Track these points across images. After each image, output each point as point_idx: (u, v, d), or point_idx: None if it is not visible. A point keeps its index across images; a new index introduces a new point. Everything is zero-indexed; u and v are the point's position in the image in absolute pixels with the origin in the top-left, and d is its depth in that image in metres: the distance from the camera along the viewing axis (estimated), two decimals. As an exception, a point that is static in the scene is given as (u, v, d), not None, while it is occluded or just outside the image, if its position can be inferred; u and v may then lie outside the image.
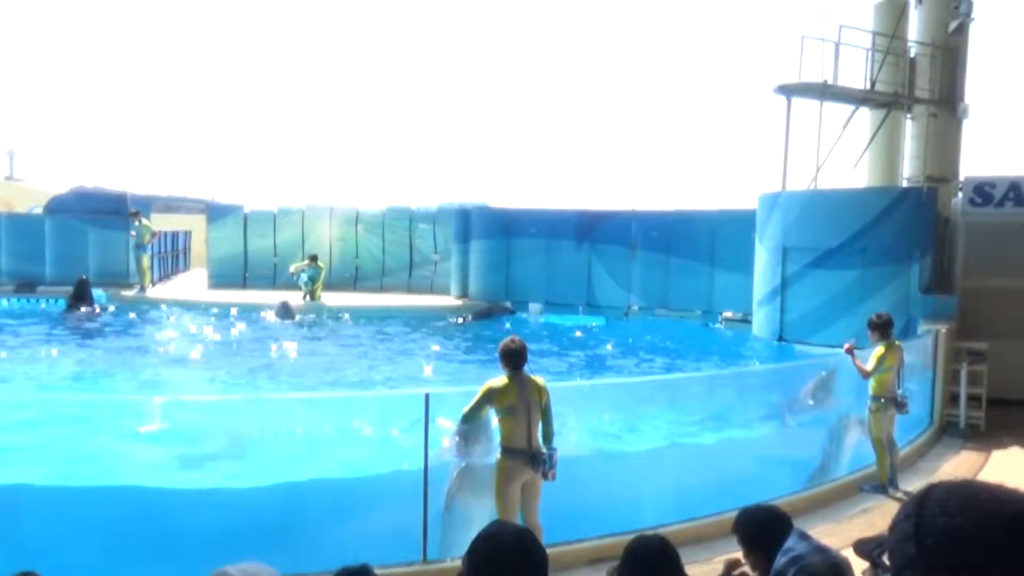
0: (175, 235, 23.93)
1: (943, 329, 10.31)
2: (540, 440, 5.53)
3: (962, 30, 14.47)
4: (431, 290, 21.06)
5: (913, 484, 7.63)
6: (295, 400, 8.58)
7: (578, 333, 16.69)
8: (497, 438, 5.57)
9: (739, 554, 3.51)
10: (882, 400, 7.61)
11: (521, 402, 5.39)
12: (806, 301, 13.26)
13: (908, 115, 15.34)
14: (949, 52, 14.49)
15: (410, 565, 5.65)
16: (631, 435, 8.41)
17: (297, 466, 6.96)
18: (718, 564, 3.79)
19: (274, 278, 21.19)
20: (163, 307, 18.17)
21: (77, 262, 19.02)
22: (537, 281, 18.81)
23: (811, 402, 8.88)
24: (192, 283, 22.20)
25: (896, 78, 14.67)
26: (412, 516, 5.74)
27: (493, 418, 5.66)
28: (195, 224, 25.24)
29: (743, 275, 15.32)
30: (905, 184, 14.92)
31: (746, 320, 15.44)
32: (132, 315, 17.30)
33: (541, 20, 75.81)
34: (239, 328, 16.47)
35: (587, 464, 7.12)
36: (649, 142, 69.50)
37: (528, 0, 74.32)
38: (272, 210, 22.34)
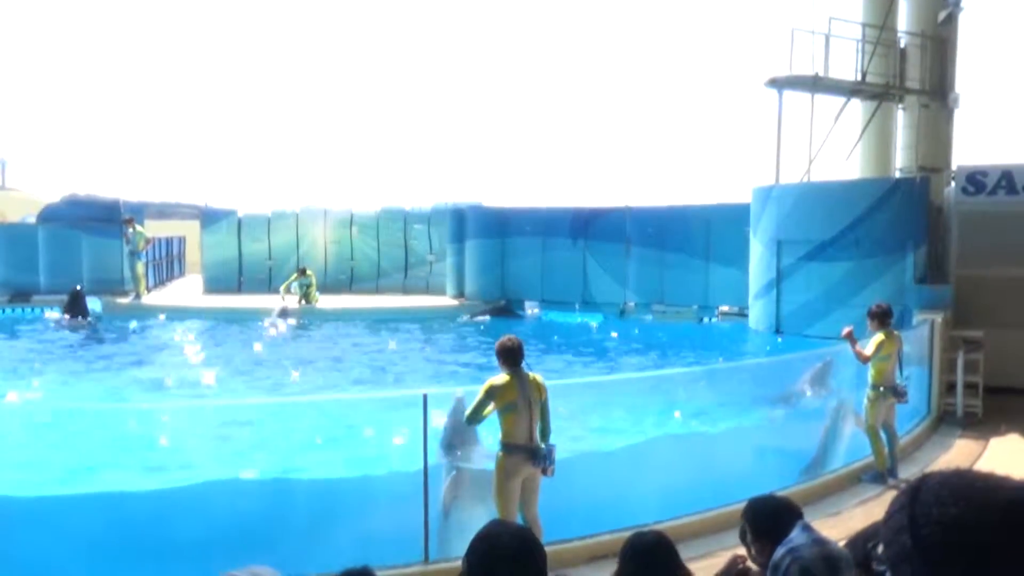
0: (169, 241, 23.87)
1: (938, 318, 10.34)
2: (538, 436, 5.56)
3: (951, 20, 14.50)
4: (427, 291, 21.05)
5: (911, 473, 7.64)
6: (295, 403, 8.58)
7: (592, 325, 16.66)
8: (486, 441, 5.61)
9: (741, 550, 3.50)
10: (881, 389, 7.64)
11: (522, 399, 5.44)
12: (802, 293, 13.29)
13: (900, 106, 15.36)
14: (939, 42, 14.52)
15: (411, 566, 5.64)
16: (627, 430, 8.42)
17: (297, 468, 6.96)
18: (717, 559, 3.79)
19: (269, 282, 21.17)
20: (161, 315, 18.13)
21: (71, 271, 18.95)
22: (533, 279, 18.82)
23: (808, 393, 8.91)
24: (187, 289, 22.14)
25: (887, 69, 14.69)
26: (413, 517, 5.74)
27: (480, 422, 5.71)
28: (189, 230, 25.17)
29: (738, 269, 15.34)
30: (898, 175, 14.96)
31: (742, 314, 15.47)
32: (132, 323, 17.28)
33: (530, 17, 75.78)
34: (235, 333, 16.45)
35: (584, 461, 7.14)
36: (641, 138, 69.56)
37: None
38: (266, 214, 22.31)
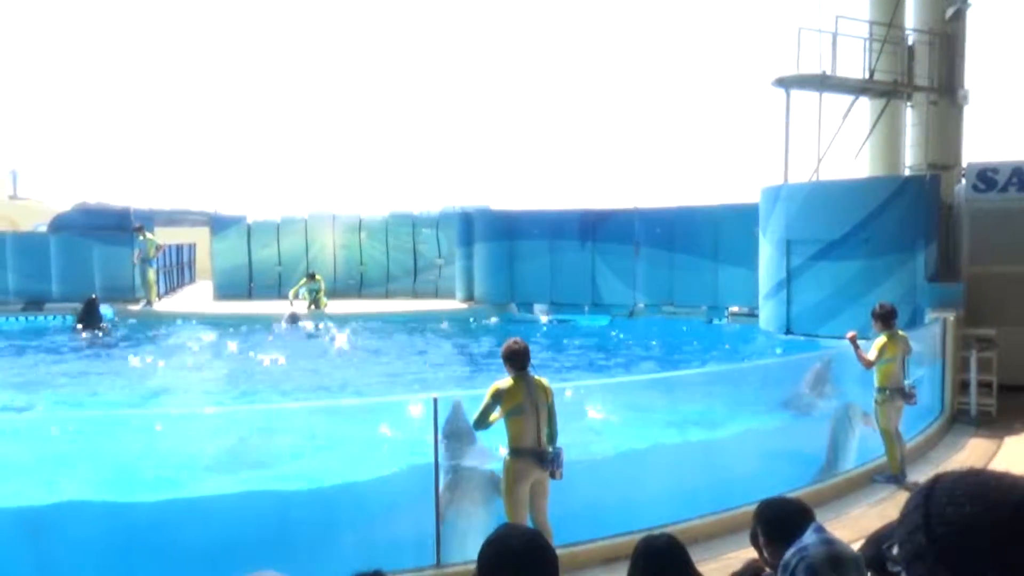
0: (179, 248, 24.01)
1: (951, 317, 10.27)
2: (546, 440, 5.56)
3: (959, 16, 14.42)
4: (436, 295, 21.09)
5: (925, 474, 7.55)
6: (304, 408, 8.60)
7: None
8: (485, 443, 5.59)
9: (753, 553, 3.49)
10: (887, 391, 7.55)
11: (528, 402, 5.44)
12: (812, 293, 13.23)
13: (908, 103, 15.29)
14: (947, 39, 14.44)
15: (423, 570, 5.65)
16: (638, 432, 8.40)
17: (308, 473, 6.98)
18: (729, 561, 3.77)
19: (279, 287, 21.26)
20: (177, 321, 18.24)
21: (83, 279, 19.10)
22: (542, 282, 18.81)
23: (812, 394, 8.85)
24: (198, 295, 22.28)
25: (895, 66, 14.63)
26: (424, 520, 5.74)
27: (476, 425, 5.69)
28: (199, 236, 25.33)
29: (748, 269, 15.29)
30: (907, 172, 14.88)
31: (752, 314, 15.41)
32: (138, 331, 17.39)
33: (537, 20, 75.88)
34: (246, 339, 16.52)
35: (599, 463, 7.13)
36: (649, 139, 69.46)
37: (525, 1, 74.35)
38: (275, 220, 22.41)
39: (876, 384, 7.60)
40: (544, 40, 78.59)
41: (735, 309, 16.48)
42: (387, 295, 21.48)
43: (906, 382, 7.75)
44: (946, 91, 14.50)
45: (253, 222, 22.26)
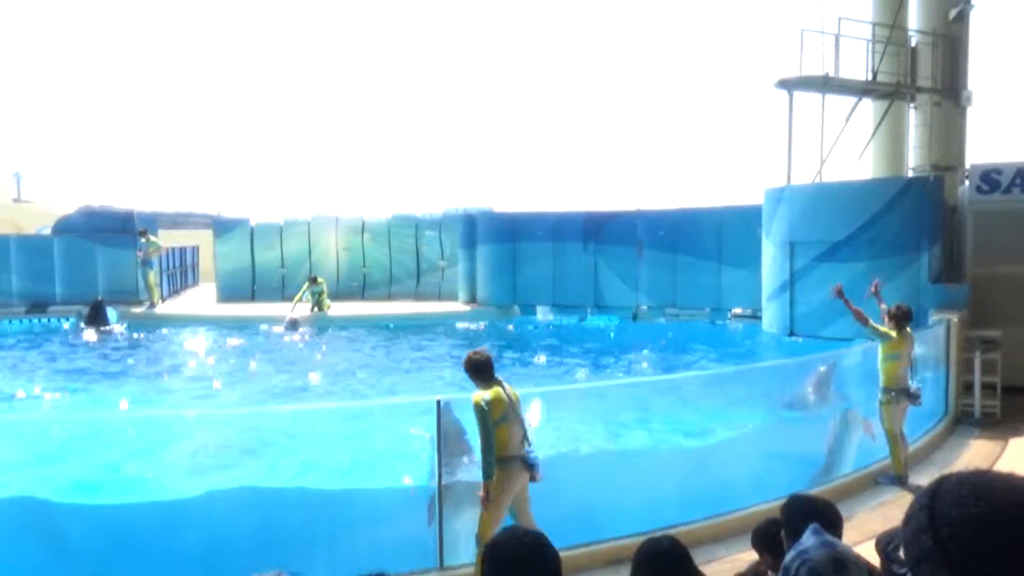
0: (183, 251, 24.05)
1: (955, 318, 10.25)
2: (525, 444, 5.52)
3: (963, 17, 14.42)
4: (439, 297, 21.11)
5: (929, 475, 7.55)
6: (306, 411, 8.60)
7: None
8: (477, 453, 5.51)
9: (754, 555, 3.49)
10: (893, 392, 7.50)
11: (511, 409, 5.40)
12: (815, 295, 13.20)
13: (911, 104, 15.28)
14: (950, 40, 14.44)
15: (427, 572, 5.65)
16: (640, 435, 8.39)
17: (311, 475, 6.98)
18: (734, 563, 3.77)
19: (282, 290, 21.29)
20: (174, 324, 18.27)
21: (87, 281, 19.16)
22: (544, 284, 18.82)
23: (815, 396, 8.83)
24: (201, 298, 22.30)
25: (898, 68, 14.62)
26: (425, 522, 5.74)
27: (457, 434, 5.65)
28: (202, 239, 25.36)
29: (751, 271, 15.28)
30: (911, 174, 14.86)
31: (755, 316, 15.40)
32: (141, 335, 17.43)
33: (540, 22, 75.95)
34: (249, 342, 16.54)
35: (600, 465, 7.12)
36: (652, 141, 69.47)
37: (529, 4, 74.44)
38: (278, 222, 22.44)
39: (881, 384, 7.55)
40: (548, 42, 78.69)
41: (738, 311, 16.47)
42: (390, 297, 21.50)
43: (912, 383, 7.71)
44: (949, 92, 14.49)
45: (256, 224, 22.30)
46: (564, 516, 5.97)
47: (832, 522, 3.14)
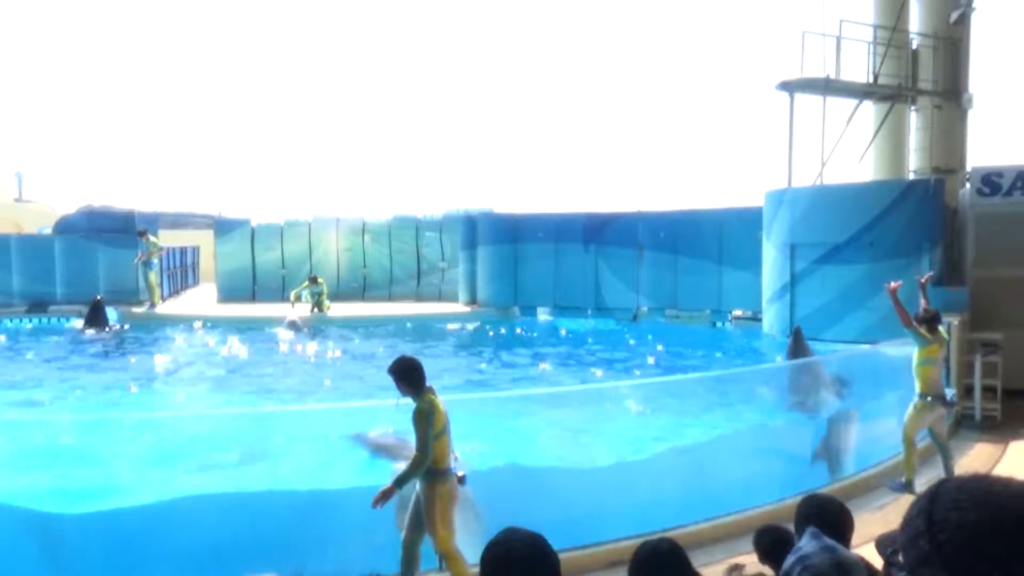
0: (183, 251, 24.05)
1: (955, 321, 10.24)
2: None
3: (963, 20, 14.42)
4: (439, 298, 21.10)
5: (930, 478, 7.56)
6: (306, 412, 8.60)
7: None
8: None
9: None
10: (929, 398, 7.32)
11: (447, 420, 5.18)
12: (816, 297, 13.21)
13: (912, 107, 15.28)
14: (952, 42, 14.44)
15: (427, 574, 5.64)
16: (640, 437, 8.38)
17: (308, 476, 6.97)
18: (723, 567, 3.78)
19: (282, 290, 21.29)
20: (174, 324, 18.26)
21: (87, 281, 19.16)
22: (545, 285, 18.82)
23: (819, 397, 8.82)
24: (201, 298, 22.31)
25: (899, 70, 14.62)
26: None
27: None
28: (203, 239, 25.38)
29: (751, 273, 15.28)
30: (912, 176, 14.86)
31: (756, 318, 15.39)
32: (141, 333, 17.43)
33: (541, 23, 75.91)
34: (249, 342, 16.54)
35: (605, 469, 7.11)
36: (653, 142, 69.45)
37: (529, 4, 74.44)
38: (279, 223, 22.45)
39: (918, 389, 7.35)
40: (548, 44, 78.69)
41: (739, 313, 16.47)
42: (390, 298, 21.50)
43: (948, 390, 7.50)
44: (950, 95, 14.49)
45: (257, 225, 22.31)
46: (563, 518, 5.97)
47: (840, 524, 3.15)
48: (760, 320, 15.01)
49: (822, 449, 7.83)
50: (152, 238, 19.51)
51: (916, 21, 15.03)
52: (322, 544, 5.70)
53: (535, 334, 17.76)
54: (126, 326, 18.02)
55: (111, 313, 18.34)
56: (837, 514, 3.23)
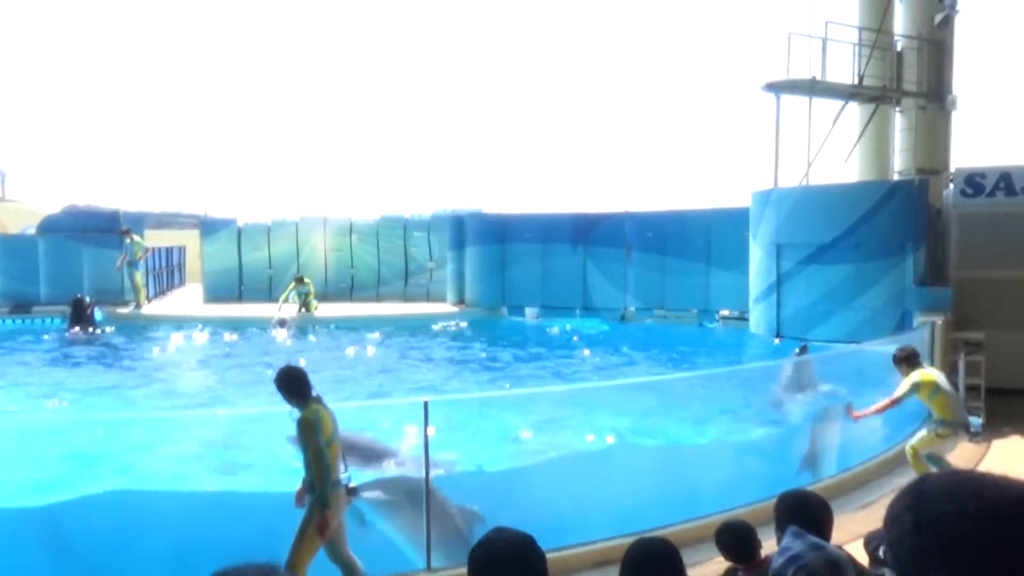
0: (169, 251, 23.88)
1: (939, 321, 10.33)
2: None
3: (947, 22, 14.54)
4: (427, 298, 21.07)
5: (911, 476, 7.61)
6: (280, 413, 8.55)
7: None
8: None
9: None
10: (953, 426, 7.06)
11: (336, 429, 4.93)
12: (802, 297, 13.29)
13: (897, 108, 15.39)
14: (935, 45, 14.55)
15: (415, 574, 5.63)
16: (631, 435, 8.41)
17: (293, 477, 6.94)
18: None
19: (269, 291, 21.18)
20: (160, 325, 18.13)
21: (72, 281, 18.97)
22: (533, 285, 18.82)
23: (789, 393, 8.86)
24: (188, 298, 22.16)
25: (884, 72, 14.73)
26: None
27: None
28: (189, 239, 25.21)
29: (738, 273, 15.35)
30: (896, 177, 14.97)
31: (743, 318, 15.46)
32: (126, 334, 17.29)
33: (529, 24, 76.01)
34: (236, 342, 16.45)
35: (591, 466, 7.12)
36: (640, 143, 69.66)
37: (516, 5, 74.50)
38: (266, 223, 22.34)
39: (939, 417, 7.09)
40: (536, 44, 78.74)
41: (726, 313, 16.54)
42: (378, 298, 21.44)
43: (973, 419, 7.26)
44: (934, 96, 14.61)
45: (243, 225, 22.19)
46: (551, 517, 5.97)
47: (821, 521, 3.16)
48: (747, 320, 15.08)
49: (809, 459, 7.84)
50: (137, 238, 19.35)
51: (900, 23, 15.14)
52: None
53: (523, 334, 17.75)
54: (109, 328, 17.85)
55: (97, 314, 18.17)
56: (818, 510, 3.24)
